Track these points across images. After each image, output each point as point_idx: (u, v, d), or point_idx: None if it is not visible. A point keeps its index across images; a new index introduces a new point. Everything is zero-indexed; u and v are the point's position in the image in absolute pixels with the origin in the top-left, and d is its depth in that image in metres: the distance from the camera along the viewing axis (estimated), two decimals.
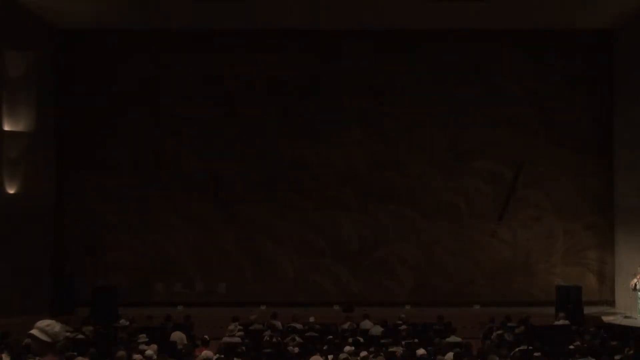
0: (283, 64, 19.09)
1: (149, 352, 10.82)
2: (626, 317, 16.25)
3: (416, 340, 12.36)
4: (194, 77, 19.05)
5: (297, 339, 12.67)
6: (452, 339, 12.45)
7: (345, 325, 14.35)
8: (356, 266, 18.88)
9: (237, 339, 12.62)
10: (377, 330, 13.59)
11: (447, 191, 19.05)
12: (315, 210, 18.95)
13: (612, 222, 18.74)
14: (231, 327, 13.38)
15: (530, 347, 11.23)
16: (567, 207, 18.91)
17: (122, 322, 14.79)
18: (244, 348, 11.72)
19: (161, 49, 19.08)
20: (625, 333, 13.18)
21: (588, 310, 16.80)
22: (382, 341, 12.36)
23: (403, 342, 12.01)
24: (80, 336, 12.54)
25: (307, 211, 18.96)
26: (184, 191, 18.90)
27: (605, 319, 16.00)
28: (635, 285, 15.98)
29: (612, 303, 18.32)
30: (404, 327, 13.66)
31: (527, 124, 19.03)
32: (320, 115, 19.08)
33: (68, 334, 4.71)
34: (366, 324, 14.22)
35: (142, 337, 12.39)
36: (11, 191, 16.65)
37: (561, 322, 14.51)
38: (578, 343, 11.56)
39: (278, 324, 14.43)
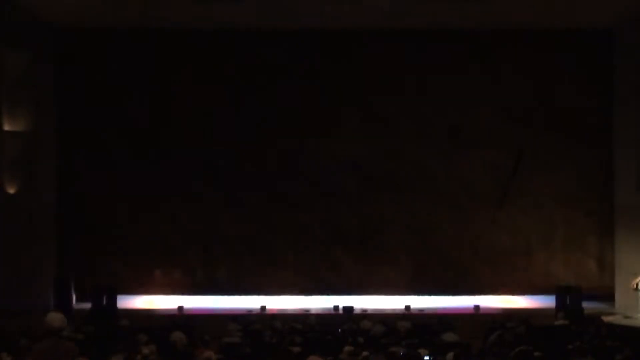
0: (284, 58, 19.08)
1: (148, 352, 10.80)
2: (626, 317, 16.25)
3: (416, 340, 12.34)
4: (194, 74, 19.05)
5: (297, 339, 12.65)
6: (451, 337, 12.44)
7: (345, 326, 14.33)
8: (356, 254, 18.94)
9: (237, 339, 12.60)
10: (377, 330, 13.57)
11: (447, 179, 19.08)
12: (316, 198, 18.98)
13: (612, 217, 18.74)
14: (231, 327, 13.38)
15: (530, 347, 11.21)
16: (567, 198, 18.93)
17: (123, 322, 14.78)
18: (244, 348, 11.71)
19: (161, 47, 19.07)
20: (625, 333, 13.17)
21: (587, 306, 16.89)
22: (382, 341, 12.34)
23: (403, 342, 11.99)
24: (80, 336, 12.53)
25: (307, 199, 18.98)
26: (184, 187, 18.90)
27: (605, 319, 15.98)
28: (637, 285, 15.98)
29: (611, 302, 18.33)
30: (404, 326, 13.65)
31: (528, 113, 19.01)
32: (321, 103, 19.08)
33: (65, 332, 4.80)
34: (366, 324, 14.20)
35: (142, 337, 12.37)
36: (11, 191, 16.65)
37: (561, 322, 14.52)
38: (578, 343, 11.55)
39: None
